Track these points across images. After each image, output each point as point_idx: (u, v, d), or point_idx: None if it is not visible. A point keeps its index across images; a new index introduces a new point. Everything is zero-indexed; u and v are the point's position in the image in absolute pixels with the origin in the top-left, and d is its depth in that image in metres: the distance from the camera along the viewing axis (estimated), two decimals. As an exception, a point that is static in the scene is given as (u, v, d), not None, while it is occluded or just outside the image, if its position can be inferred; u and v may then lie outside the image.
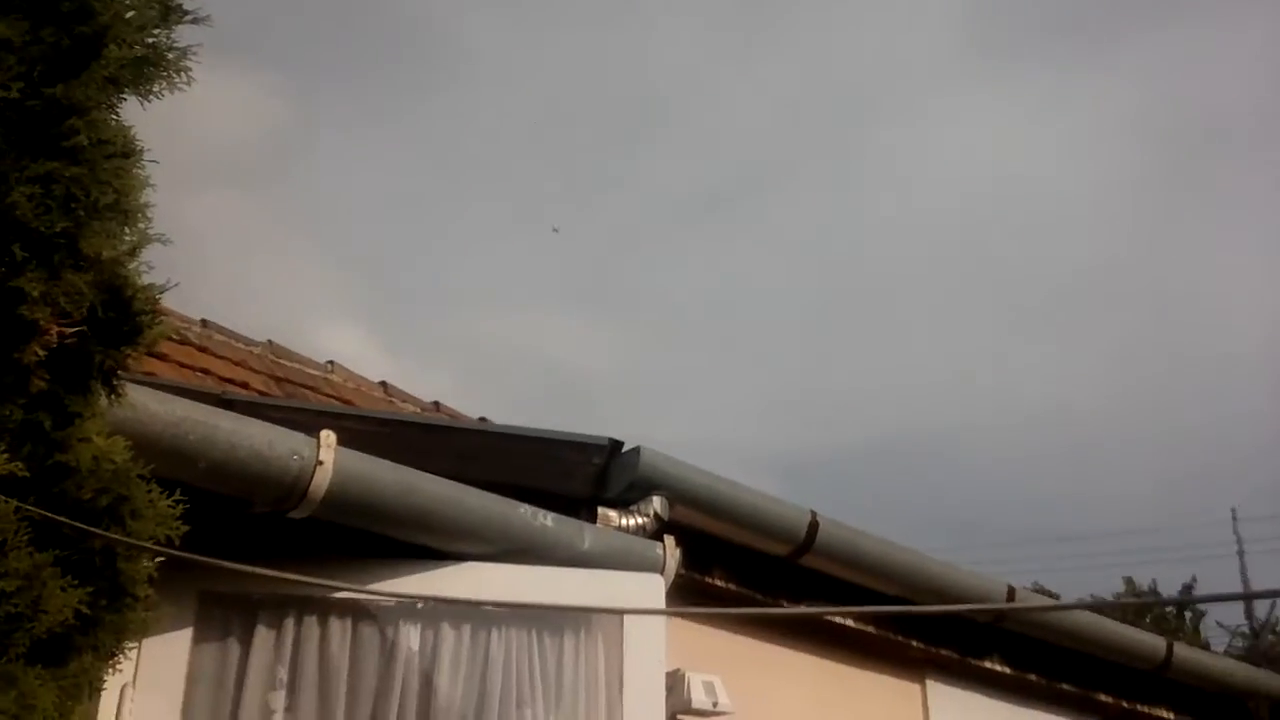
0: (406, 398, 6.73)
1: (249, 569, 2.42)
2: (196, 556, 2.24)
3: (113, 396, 2.27)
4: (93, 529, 2.04)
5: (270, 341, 6.30)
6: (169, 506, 2.26)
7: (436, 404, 6.78)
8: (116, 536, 2.08)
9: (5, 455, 1.99)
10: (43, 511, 2.01)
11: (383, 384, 6.79)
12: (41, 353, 2.04)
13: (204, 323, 6.02)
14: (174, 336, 5.48)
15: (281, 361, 6.21)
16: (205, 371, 5.32)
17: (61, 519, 2.02)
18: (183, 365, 5.22)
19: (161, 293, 2.27)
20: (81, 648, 2.12)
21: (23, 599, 1.98)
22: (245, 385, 5.37)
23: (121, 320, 2.18)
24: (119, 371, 2.25)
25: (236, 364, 5.69)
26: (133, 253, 2.22)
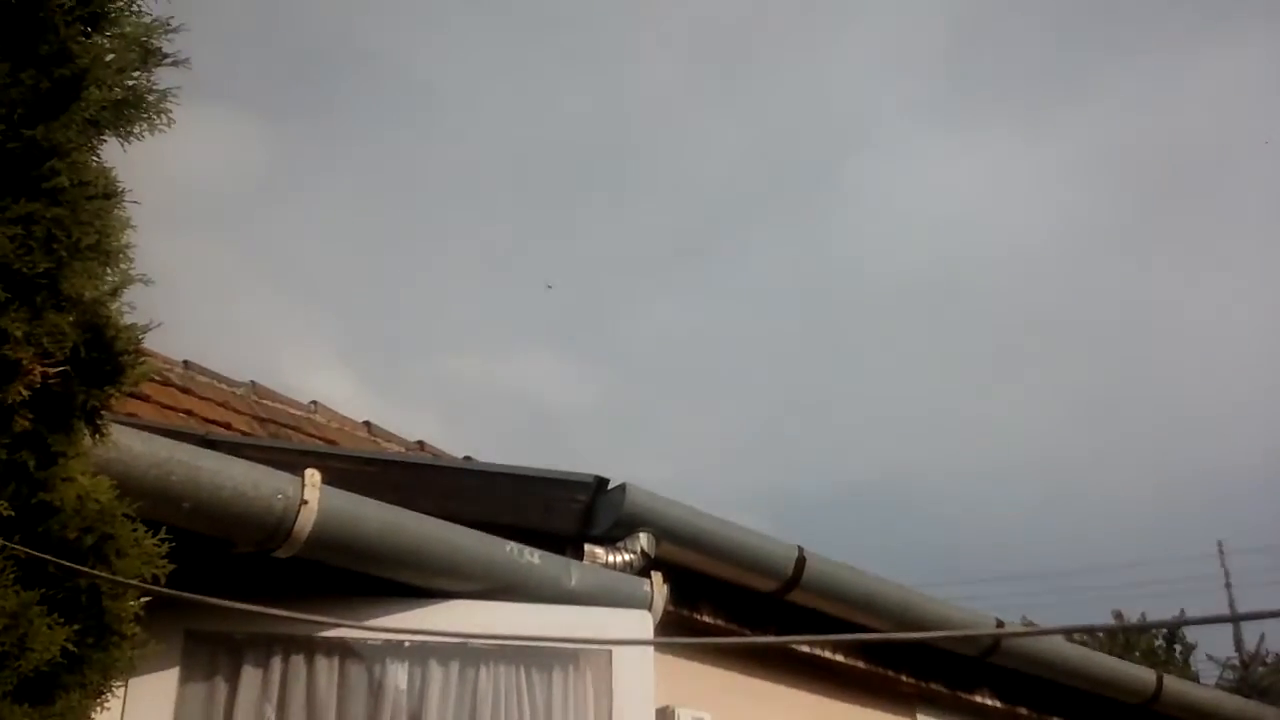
0: (390, 437, 6.72)
1: (235, 605, 2.41)
2: (182, 594, 2.23)
3: (96, 436, 2.26)
4: (78, 567, 2.03)
5: (253, 382, 6.29)
6: (154, 545, 2.26)
7: (421, 443, 6.77)
8: (102, 574, 2.07)
9: (-11, 498, 1.98)
10: (28, 550, 2.00)
11: (366, 424, 6.77)
12: (25, 393, 2.03)
13: (186, 364, 6.01)
14: (156, 378, 5.47)
15: (265, 402, 6.20)
16: (188, 413, 5.30)
17: (47, 557, 2.02)
18: (165, 407, 5.20)
19: (144, 333, 2.27)
20: (69, 685, 2.11)
21: (9, 637, 1.97)
22: (228, 426, 5.36)
23: (104, 360, 2.18)
24: (102, 411, 2.25)
25: (219, 405, 5.67)
26: (114, 293, 2.22)
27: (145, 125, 2.30)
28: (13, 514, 2.02)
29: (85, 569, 2.06)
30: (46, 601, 2.08)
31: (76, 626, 2.11)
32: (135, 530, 2.24)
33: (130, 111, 2.27)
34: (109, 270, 2.21)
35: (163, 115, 2.32)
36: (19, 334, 1.99)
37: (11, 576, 2.00)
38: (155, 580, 2.25)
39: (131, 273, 2.25)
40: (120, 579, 2.08)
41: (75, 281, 2.10)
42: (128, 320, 2.25)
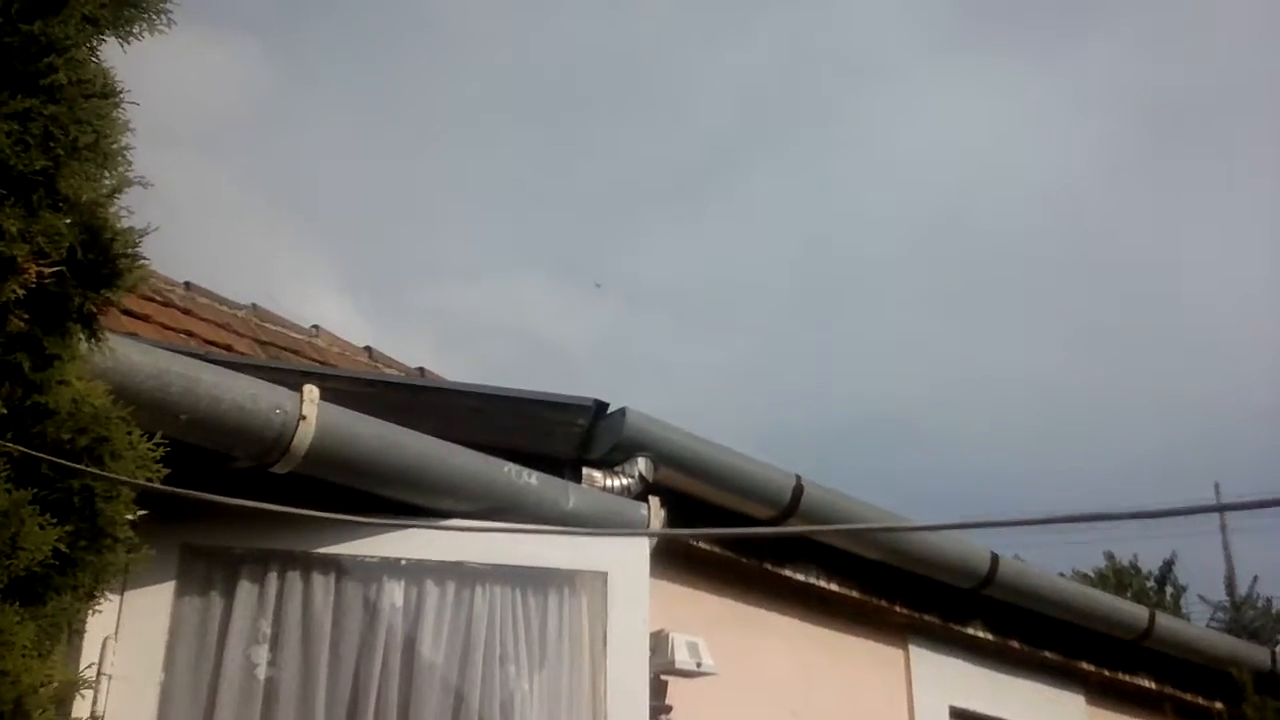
0: (391, 363, 6.70)
1: (232, 501, 2.39)
2: (176, 490, 2.22)
3: (93, 341, 2.24)
4: (72, 464, 2.02)
5: (254, 305, 6.26)
6: (149, 450, 2.25)
7: (421, 370, 6.76)
8: (95, 471, 2.05)
9: (-18, 395, 1.97)
10: (21, 447, 1.99)
11: (367, 349, 6.76)
12: (19, 291, 2.01)
13: (187, 285, 5.99)
14: (157, 298, 5.45)
15: (266, 325, 6.18)
16: (188, 334, 5.28)
17: (41, 455, 2.00)
18: (165, 327, 5.18)
19: (142, 237, 2.24)
20: (60, 588, 2.10)
21: (0, 535, 1.96)
22: (229, 348, 5.34)
23: (101, 263, 2.16)
24: (99, 316, 2.23)
25: (220, 326, 5.65)
26: (112, 195, 2.20)
27: (144, 25, 2.26)
28: (5, 413, 2.00)
29: (79, 466, 2.05)
30: (39, 502, 2.07)
31: (69, 528, 2.10)
32: (130, 435, 2.22)
33: (129, 10, 2.23)
34: (107, 172, 2.18)
35: (162, 16, 2.28)
36: (14, 230, 1.96)
37: (3, 475, 1.99)
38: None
39: (130, 175, 2.22)
40: (113, 475, 2.07)
41: (72, 182, 2.07)
42: (126, 224, 2.23)
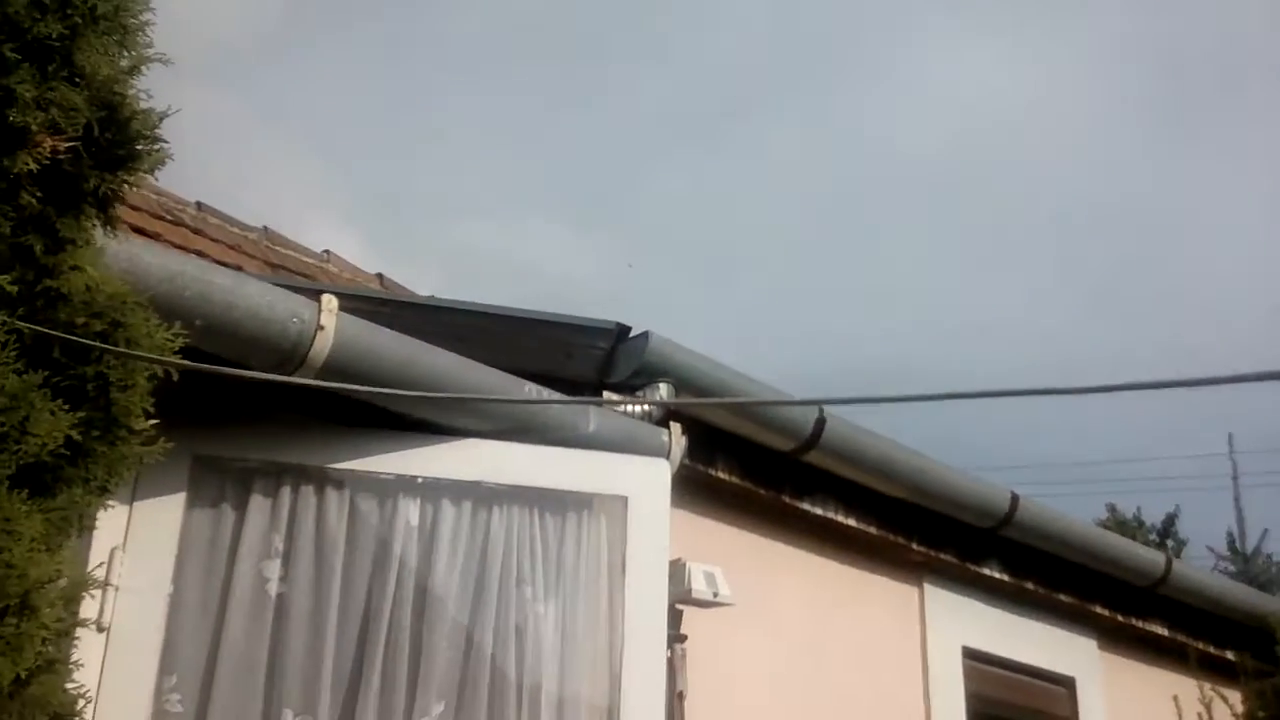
0: (403, 291, 6.61)
1: (253, 375, 2.30)
2: (197, 365, 2.12)
3: (108, 228, 2.14)
4: (85, 340, 1.93)
5: (266, 228, 6.16)
6: (168, 338, 2.15)
7: (433, 298, 6.66)
8: (108, 348, 1.95)
9: (-8, 269, 1.87)
10: (32, 325, 1.89)
11: (379, 276, 6.67)
12: (32, 164, 1.91)
13: (199, 205, 5.88)
14: (167, 216, 5.35)
15: (277, 248, 6.08)
16: (199, 254, 5.17)
17: (54, 333, 1.91)
18: (176, 246, 5.07)
19: (162, 119, 2.13)
20: (71, 479, 2.01)
21: (9, 419, 1.87)
22: (240, 269, 5.24)
23: (118, 142, 2.06)
24: (114, 201, 2.12)
25: (231, 248, 5.56)
26: (131, 72, 2.09)
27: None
28: (15, 294, 1.90)
29: (94, 343, 1.95)
30: (50, 388, 1.97)
31: (81, 415, 2.01)
32: (147, 321, 2.13)
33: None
34: (126, 49, 2.07)
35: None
36: (28, 96, 1.86)
37: (13, 355, 1.89)
38: (168, 376, 2.15)
39: (149, 53, 2.11)
40: (127, 352, 1.97)
41: (90, 55, 1.96)
42: (145, 105, 2.12)
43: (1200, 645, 6.56)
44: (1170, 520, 23.64)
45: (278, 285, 3.63)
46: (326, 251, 6.50)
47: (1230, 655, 6.41)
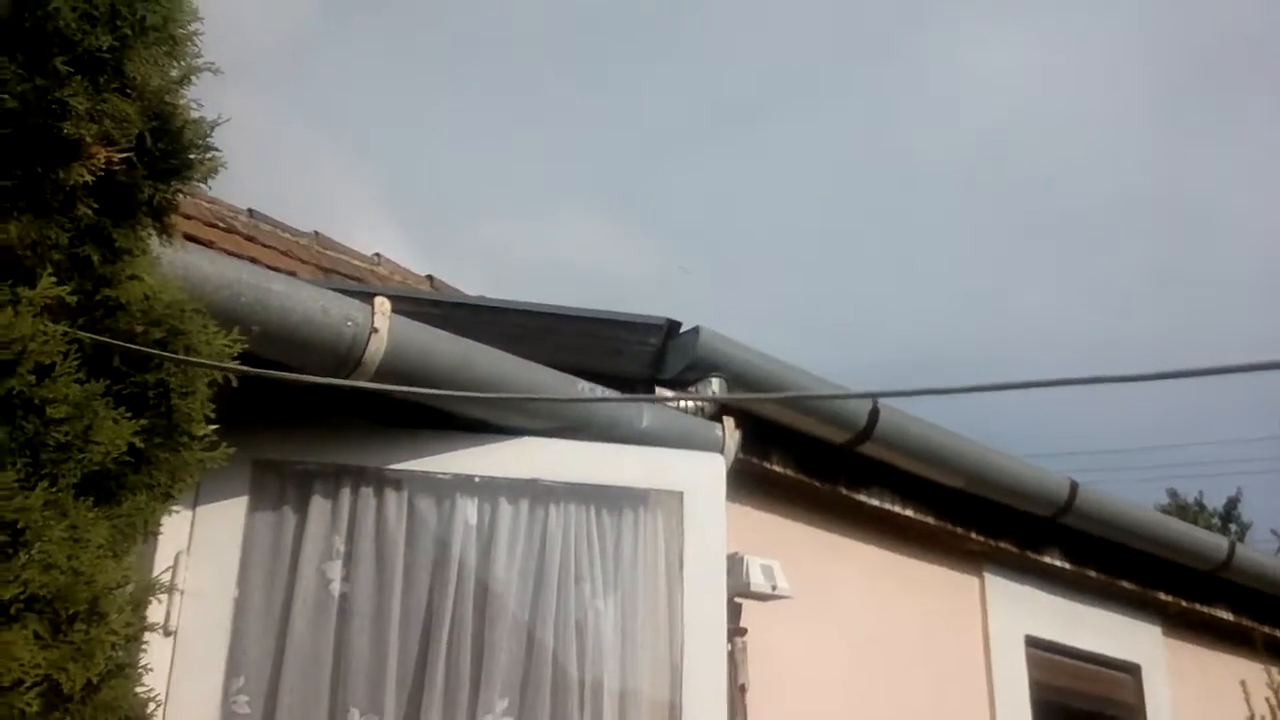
0: (453, 292, 6.64)
1: (318, 380, 2.28)
2: (259, 371, 2.14)
3: (163, 237, 2.17)
4: (145, 348, 1.95)
5: (317, 233, 6.22)
6: (226, 345, 2.17)
7: (483, 298, 6.69)
8: (168, 355, 1.98)
9: (53, 280, 1.89)
10: (93, 335, 1.92)
11: (429, 277, 6.71)
12: (87, 176, 1.93)
13: (250, 212, 5.95)
14: (220, 224, 5.41)
15: (328, 253, 6.14)
16: (252, 260, 5.21)
17: (115, 342, 1.93)
18: (229, 253, 5.12)
19: (213, 128, 2.16)
20: (135, 486, 2.04)
21: (72, 428, 1.90)
22: (292, 274, 5.29)
23: (171, 152, 2.08)
24: (169, 211, 2.15)
25: (283, 254, 5.61)
26: (182, 82, 2.11)
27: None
28: (73, 305, 1.93)
29: (154, 350, 1.97)
30: (111, 396, 2.00)
31: (144, 423, 2.04)
32: (206, 328, 2.15)
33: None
34: (175, 59, 2.10)
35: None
36: (81, 109, 1.88)
37: (75, 364, 1.92)
38: (227, 382, 2.17)
39: (199, 63, 2.13)
40: (187, 359, 1.99)
41: (140, 66, 1.99)
42: (196, 114, 2.14)
43: (1266, 629, 6.48)
44: (1232, 504, 23.36)
45: (331, 289, 3.66)
46: (377, 254, 6.55)
47: (1299, 638, 6.34)
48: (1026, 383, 2.00)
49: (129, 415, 2.01)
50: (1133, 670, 5.88)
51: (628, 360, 4.12)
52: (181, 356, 2.02)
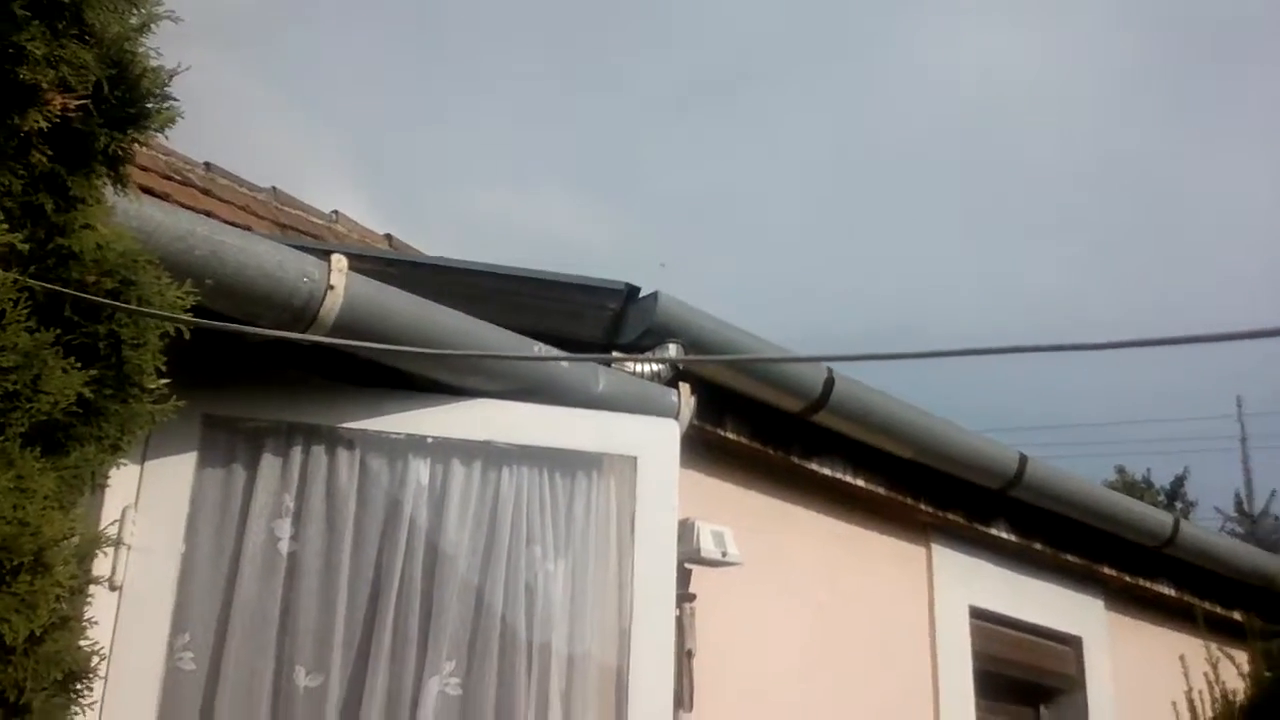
0: (412, 251, 6.61)
1: (273, 334, 2.28)
2: (213, 323, 2.12)
3: (118, 186, 2.14)
4: (97, 299, 1.93)
5: (274, 188, 6.16)
6: (179, 296, 2.15)
7: (442, 258, 6.65)
8: (120, 305, 1.95)
9: (5, 228, 1.86)
10: (45, 284, 1.89)
11: (388, 236, 6.67)
12: (43, 123, 1.90)
13: (207, 165, 5.88)
14: (176, 176, 5.35)
15: (285, 209, 6.08)
16: (208, 214, 5.15)
17: (66, 290, 1.91)
18: (185, 206, 5.06)
19: (172, 77, 2.13)
20: (84, 438, 2.02)
21: (21, 377, 1.87)
22: (249, 229, 5.23)
23: (128, 100, 2.05)
24: (125, 160, 2.12)
25: (240, 208, 5.56)
26: (141, 30, 2.08)
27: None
28: (25, 252, 1.90)
29: (106, 300, 1.95)
30: (62, 346, 1.97)
31: (94, 373, 2.01)
32: (159, 280, 2.13)
33: None
34: (136, 6, 2.07)
35: None
36: (38, 54, 1.85)
37: (25, 313, 1.89)
38: (179, 334, 2.15)
39: (159, 11, 2.10)
40: (139, 309, 1.97)
41: (100, 12, 1.96)
42: (155, 63, 2.11)
43: (1207, 606, 6.57)
44: (1179, 482, 23.68)
45: (288, 245, 3.63)
46: (335, 212, 6.49)
47: (1238, 616, 6.42)
48: (978, 350, 2.00)
49: (79, 365, 1.99)
50: (1074, 643, 5.97)
51: (586, 324, 4.12)
52: (134, 307, 2.00)
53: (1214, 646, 5.17)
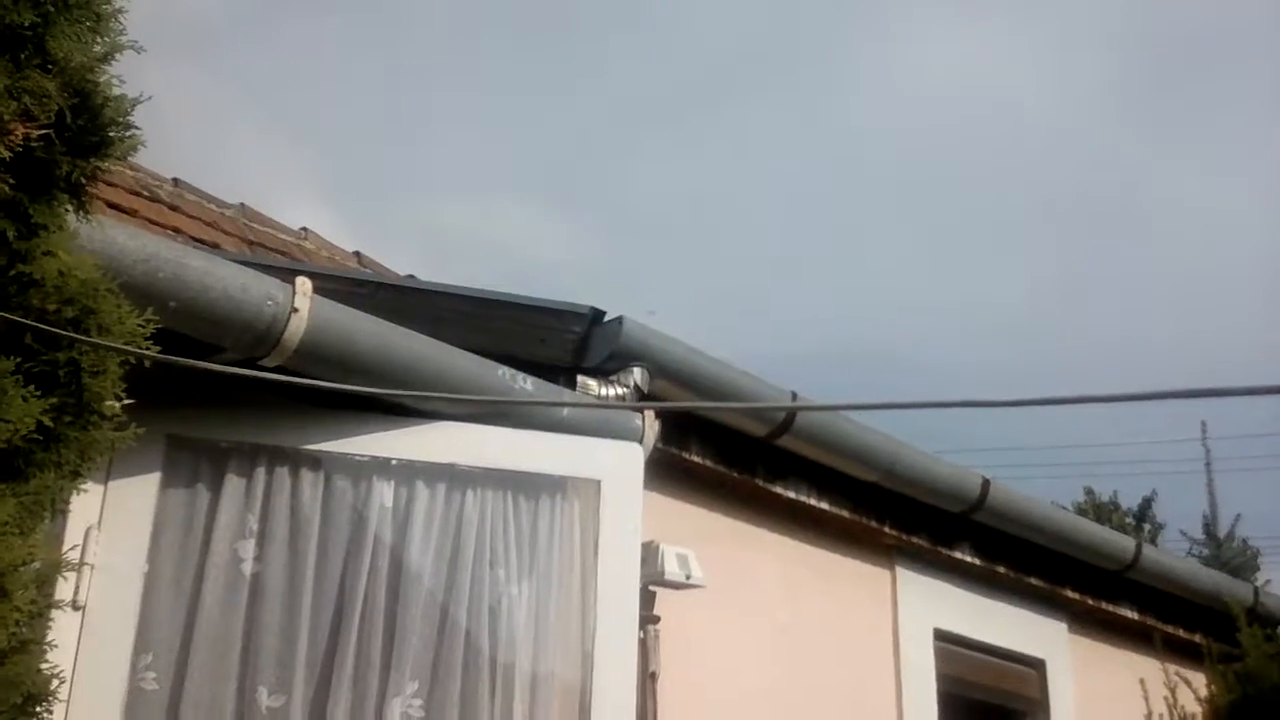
0: (380, 269, 6.61)
1: (226, 369, 2.30)
2: (169, 358, 2.14)
3: (80, 213, 2.15)
4: (57, 330, 1.94)
5: (243, 205, 6.15)
6: (139, 325, 2.16)
7: (411, 277, 6.66)
8: (79, 337, 1.97)
9: (-36, 256, 1.88)
10: (4, 313, 1.90)
11: (356, 254, 6.67)
12: (4, 151, 1.92)
13: (175, 181, 5.87)
14: (144, 192, 5.35)
15: (254, 225, 6.07)
16: (175, 230, 5.18)
17: (26, 321, 1.92)
18: (153, 223, 5.08)
19: (134, 106, 2.14)
20: (43, 464, 2.02)
21: (-20, 405, 1.88)
22: (216, 246, 5.24)
23: (90, 129, 2.06)
24: (87, 187, 2.14)
25: (208, 225, 5.56)
26: (105, 59, 2.10)
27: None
28: (-12, 280, 1.91)
29: (65, 332, 1.96)
30: (22, 374, 1.98)
31: (54, 401, 2.03)
32: (120, 308, 2.14)
33: None
34: (99, 36, 2.08)
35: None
36: (1, 86, 1.87)
37: (-16, 344, 1.91)
38: (140, 362, 2.16)
39: (123, 40, 2.12)
40: (98, 341, 1.98)
41: (62, 42, 1.97)
42: (118, 92, 2.13)
43: (1169, 629, 6.64)
44: (1147, 504, 23.80)
45: (253, 266, 3.64)
46: (304, 229, 6.49)
47: (1199, 639, 6.48)
48: (935, 403, 2.03)
49: (39, 394, 2.00)
50: (1037, 665, 6.01)
51: (551, 347, 4.14)
52: (93, 340, 2.01)
53: (1172, 670, 5.23)
